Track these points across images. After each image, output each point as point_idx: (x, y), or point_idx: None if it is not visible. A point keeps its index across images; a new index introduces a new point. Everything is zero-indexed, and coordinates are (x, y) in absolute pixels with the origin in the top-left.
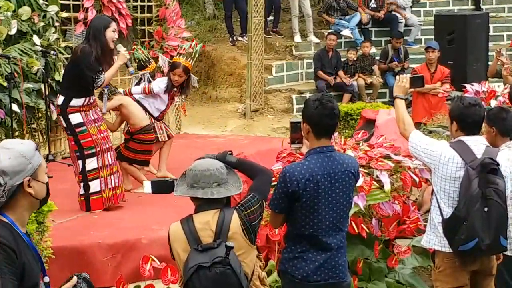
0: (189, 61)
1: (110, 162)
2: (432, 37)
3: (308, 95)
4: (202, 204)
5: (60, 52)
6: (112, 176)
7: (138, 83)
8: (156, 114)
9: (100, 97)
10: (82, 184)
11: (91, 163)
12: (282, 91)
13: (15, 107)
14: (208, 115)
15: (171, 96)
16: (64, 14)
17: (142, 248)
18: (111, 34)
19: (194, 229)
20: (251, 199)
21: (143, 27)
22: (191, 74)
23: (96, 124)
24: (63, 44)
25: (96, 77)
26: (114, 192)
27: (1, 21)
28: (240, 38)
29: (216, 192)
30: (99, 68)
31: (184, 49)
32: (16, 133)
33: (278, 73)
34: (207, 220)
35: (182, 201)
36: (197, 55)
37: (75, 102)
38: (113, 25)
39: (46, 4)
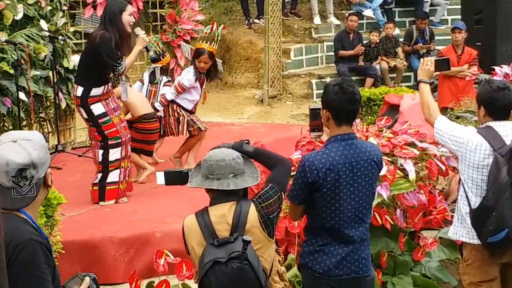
0: (213, 45)
1: (129, 153)
2: (459, 17)
3: (328, 79)
4: (218, 196)
5: (69, 38)
6: (129, 167)
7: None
8: (190, 107)
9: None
10: (100, 174)
11: (115, 154)
12: (301, 76)
13: (22, 95)
14: (223, 102)
15: (201, 84)
16: None
17: (155, 242)
18: (127, 17)
19: (210, 223)
20: (269, 190)
21: (154, 10)
22: (216, 59)
23: (117, 113)
24: (71, 29)
25: (118, 64)
26: (126, 183)
27: (6, 5)
28: (256, 21)
29: (232, 183)
30: (119, 54)
31: (206, 33)
32: (24, 123)
33: (297, 57)
34: (223, 213)
35: (196, 193)
36: (219, 38)
37: (95, 91)
38: (129, 8)
39: None
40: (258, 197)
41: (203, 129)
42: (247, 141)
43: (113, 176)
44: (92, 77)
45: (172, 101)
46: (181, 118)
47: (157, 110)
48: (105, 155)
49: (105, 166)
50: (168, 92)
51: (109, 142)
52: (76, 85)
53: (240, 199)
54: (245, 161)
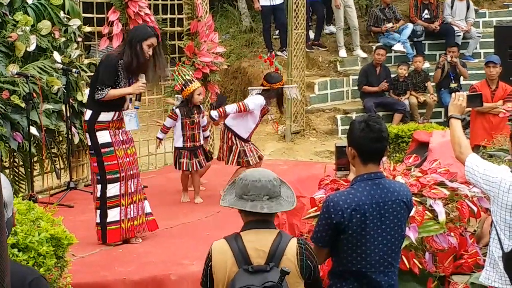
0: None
1: (133, 190)
2: (492, 50)
3: (354, 115)
4: (253, 221)
5: (83, 70)
6: (132, 205)
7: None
8: (245, 135)
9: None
10: (99, 211)
11: (113, 189)
12: (326, 110)
13: (33, 130)
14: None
15: (263, 114)
16: (87, 29)
17: (170, 285)
18: (146, 48)
19: (244, 248)
20: (316, 253)
21: (173, 42)
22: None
23: (124, 146)
24: (86, 61)
25: (100, 88)
26: (132, 223)
27: (19, 36)
28: (279, 53)
29: (267, 206)
30: (111, 83)
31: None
32: (35, 158)
33: (321, 91)
34: (259, 239)
35: (214, 234)
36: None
37: (104, 116)
38: (152, 40)
39: (67, 18)
40: (305, 241)
41: (251, 163)
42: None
43: (113, 215)
44: (102, 100)
45: (229, 129)
46: (233, 147)
47: (213, 119)
48: (103, 190)
49: (103, 203)
50: (230, 105)
51: (107, 177)
52: (86, 109)
53: (281, 230)
54: (282, 184)
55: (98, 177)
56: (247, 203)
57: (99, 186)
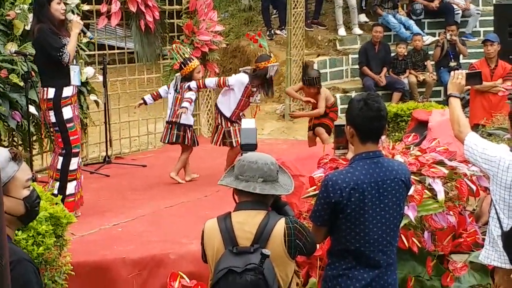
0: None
1: (80, 164)
2: (492, 28)
3: (354, 94)
4: (244, 202)
5: (81, 49)
6: (80, 179)
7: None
8: (228, 114)
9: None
10: (58, 183)
11: (75, 163)
12: None
13: (32, 109)
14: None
15: (247, 94)
16: (86, 7)
17: (170, 264)
18: (56, 6)
19: (232, 228)
20: (309, 231)
21: (171, 21)
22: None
23: (78, 121)
24: (84, 40)
25: (61, 53)
26: (78, 196)
27: (17, 15)
28: (278, 32)
29: (259, 187)
30: (61, 43)
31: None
32: (34, 137)
33: (321, 70)
34: (247, 220)
35: (213, 212)
36: (267, 49)
37: (67, 91)
38: None
39: None
40: (294, 219)
41: (234, 145)
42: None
43: (71, 187)
44: (59, 74)
45: (216, 107)
46: (219, 127)
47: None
48: (66, 163)
49: (64, 175)
50: (210, 78)
51: (73, 150)
52: (44, 88)
53: (270, 212)
54: (281, 170)
55: (64, 151)
56: (241, 183)
57: (60, 159)
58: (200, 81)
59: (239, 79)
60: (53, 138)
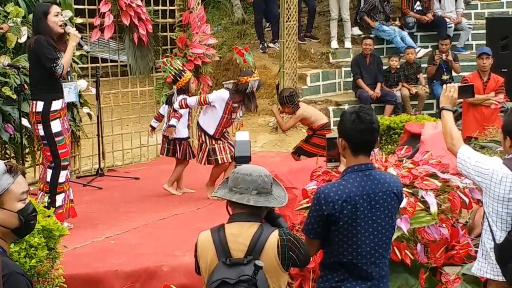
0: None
1: (69, 176)
2: (484, 42)
3: (346, 106)
4: (238, 214)
5: (75, 62)
6: (69, 191)
7: (167, 101)
8: (211, 132)
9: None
10: (47, 196)
11: (63, 176)
12: (318, 102)
13: (25, 121)
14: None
15: (229, 111)
16: (79, 20)
17: (163, 277)
18: (54, 18)
19: (225, 240)
20: (302, 243)
21: (165, 34)
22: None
23: (67, 135)
24: (77, 53)
25: (54, 64)
26: (66, 208)
27: (10, 28)
28: (271, 45)
29: (253, 199)
30: (56, 55)
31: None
32: (27, 150)
33: (314, 83)
34: (240, 232)
35: (206, 224)
36: (253, 63)
37: (56, 105)
38: (54, 8)
39: None
40: (288, 232)
41: (220, 162)
42: None
43: (60, 200)
44: (49, 88)
45: (199, 126)
46: (203, 146)
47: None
48: (55, 175)
49: (53, 188)
50: (191, 98)
51: (62, 163)
52: (33, 102)
53: (263, 224)
54: (274, 183)
55: (53, 164)
56: (235, 195)
57: (50, 171)
58: (183, 101)
59: (219, 95)
60: (42, 151)
